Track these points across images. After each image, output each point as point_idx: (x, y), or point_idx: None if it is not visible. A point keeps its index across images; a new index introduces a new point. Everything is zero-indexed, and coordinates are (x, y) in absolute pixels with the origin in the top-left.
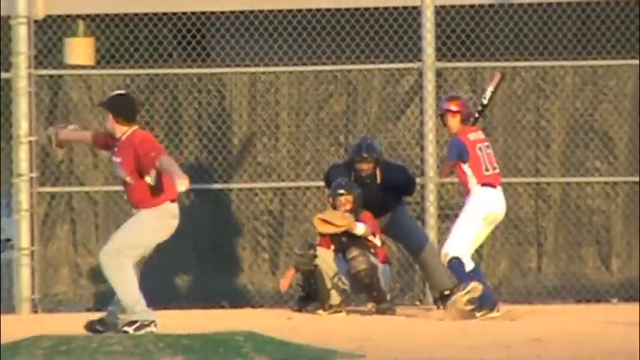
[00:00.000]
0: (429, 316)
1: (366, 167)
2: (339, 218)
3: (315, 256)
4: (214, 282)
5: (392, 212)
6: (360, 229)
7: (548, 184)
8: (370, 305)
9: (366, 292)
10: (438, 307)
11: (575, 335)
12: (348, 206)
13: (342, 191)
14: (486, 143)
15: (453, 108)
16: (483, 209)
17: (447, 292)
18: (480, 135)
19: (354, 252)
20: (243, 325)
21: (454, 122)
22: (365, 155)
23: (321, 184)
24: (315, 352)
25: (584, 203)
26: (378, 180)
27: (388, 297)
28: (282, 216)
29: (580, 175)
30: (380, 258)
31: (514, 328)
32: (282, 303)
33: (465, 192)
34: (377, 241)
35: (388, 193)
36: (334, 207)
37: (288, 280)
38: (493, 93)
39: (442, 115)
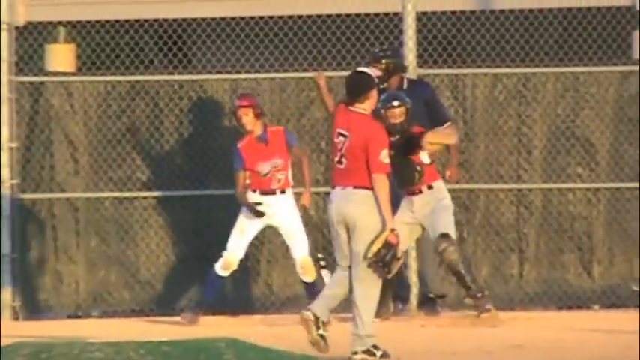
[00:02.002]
0: (411, 321)
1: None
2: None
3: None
4: (197, 288)
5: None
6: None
7: (530, 190)
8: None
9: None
10: (420, 312)
11: (556, 341)
12: (402, 118)
13: (396, 102)
14: None
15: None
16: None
17: (431, 295)
18: None
19: (443, 243)
20: (224, 331)
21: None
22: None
23: (303, 189)
24: (296, 358)
25: (565, 210)
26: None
27: None
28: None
29: (561, 182)
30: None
31: (495, 334)
32: (264, 309)
33: None
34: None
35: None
36: (386, 120)
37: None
38: None
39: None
